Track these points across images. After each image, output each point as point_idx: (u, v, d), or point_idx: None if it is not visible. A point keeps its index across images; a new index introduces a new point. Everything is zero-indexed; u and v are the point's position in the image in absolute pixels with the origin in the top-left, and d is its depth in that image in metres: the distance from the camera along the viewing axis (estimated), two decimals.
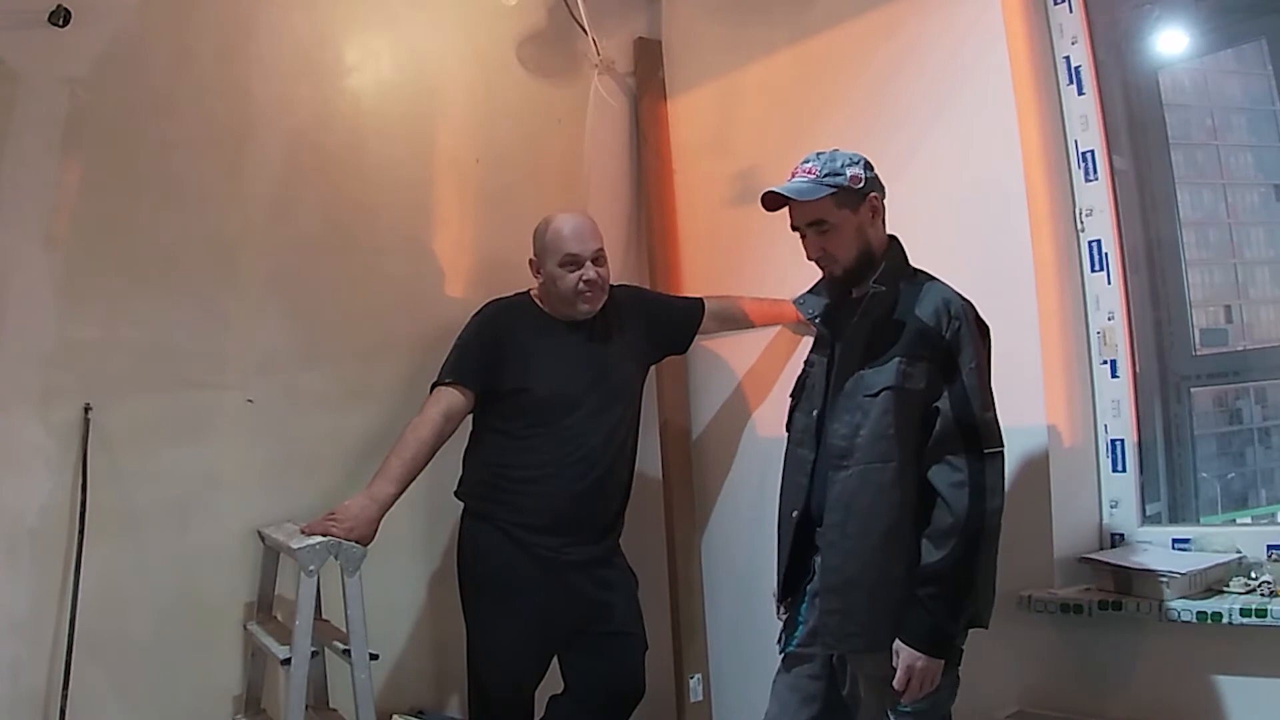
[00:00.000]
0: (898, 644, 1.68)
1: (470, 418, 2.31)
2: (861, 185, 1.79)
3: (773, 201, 1.82)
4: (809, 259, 1.84)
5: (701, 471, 2.85)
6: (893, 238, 1.86)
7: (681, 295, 2.63)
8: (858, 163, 1.80)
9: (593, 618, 2.27)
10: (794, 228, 1.85)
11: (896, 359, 1.72)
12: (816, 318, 1.90)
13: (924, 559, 1.67)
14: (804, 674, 1.84)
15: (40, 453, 2.09)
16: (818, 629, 1.80)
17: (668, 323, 2.49)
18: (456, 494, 2.33)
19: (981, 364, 1.74)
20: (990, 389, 1.74)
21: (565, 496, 2.22)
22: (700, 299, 2.54)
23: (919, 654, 1.65)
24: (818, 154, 1.81)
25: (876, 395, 1.72)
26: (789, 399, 1.97)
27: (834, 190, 1.77)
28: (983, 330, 1.78)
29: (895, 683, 1.66)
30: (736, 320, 2.55)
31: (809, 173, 1.79)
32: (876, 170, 1.86)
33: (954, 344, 1.72)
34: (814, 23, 2.61)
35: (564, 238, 2.27)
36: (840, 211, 1.78)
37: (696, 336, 2.53)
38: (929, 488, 1.69)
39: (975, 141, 2.24)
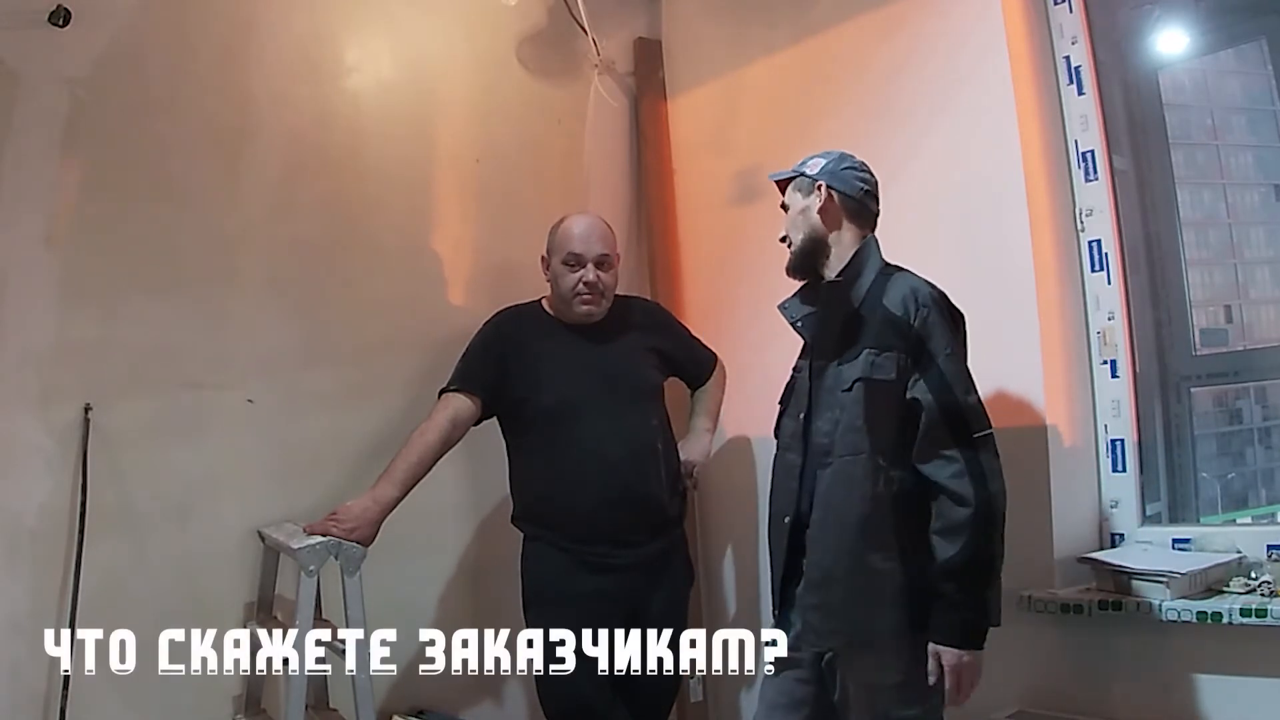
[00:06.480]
0: (936, 647, 1.65)
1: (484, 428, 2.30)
2: (815, 174, 1.86)
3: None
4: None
5: (701, 471, 2.84)
6: (869, 237, 1.87)
7: (703, 345, 2.55)
8: (831, 157, 1.88)
9: (637, 614, 2.23)
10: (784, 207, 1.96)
11: (865, 350, 1.73)
12: (798, 321, 1.90)
13: (939, 556, 1.64)
14: (792, 678, 1.82)
15: (40, 453, 2.09)
16: (802, 629, 1.79)
17: (686, 359, 2.47)
18: (511, 521, 2.34)
19: (957, 350, 1.73)
20: (969, 373, 1.73)
21: (596, 508, 2.19)
22: (715, 357, 2.52)
23: (957, 651, 1.63)
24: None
25: (850, 389, 1.74)
26: (778, 405, 1.96)
27: (792, 176, 1.91)
28: (955, 318, 1.77)
29: (948, 686, 1.64)
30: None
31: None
32: (875, 171, 1.88)
33: (923, 332, 1.71)
34: (814, 23, 2.61)
35: (571, 236, 2.28)
36: (793, 194, 1.91)
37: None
38: (917, 481, 1.68)
39: (975, 141, 2.24)
